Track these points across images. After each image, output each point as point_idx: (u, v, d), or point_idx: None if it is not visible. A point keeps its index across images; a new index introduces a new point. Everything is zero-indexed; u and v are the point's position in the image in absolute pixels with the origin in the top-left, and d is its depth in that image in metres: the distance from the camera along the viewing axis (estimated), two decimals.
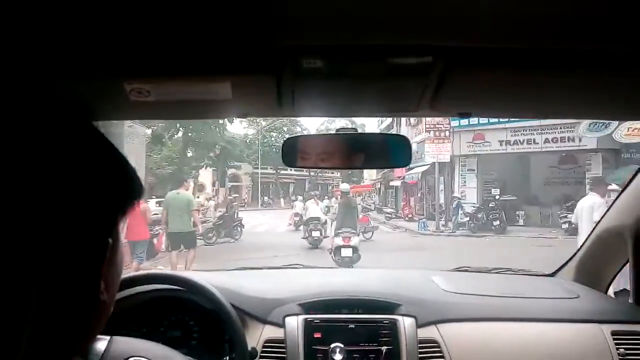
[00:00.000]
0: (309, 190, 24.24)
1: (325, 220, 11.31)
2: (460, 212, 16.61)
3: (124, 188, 0.43)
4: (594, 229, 1.71)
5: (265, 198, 37.60)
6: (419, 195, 24.23)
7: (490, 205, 16.12)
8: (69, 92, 0.78)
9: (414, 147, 17.37)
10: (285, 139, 1.10)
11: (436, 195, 18.38)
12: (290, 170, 40.82)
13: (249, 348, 1.24)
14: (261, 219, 22.83)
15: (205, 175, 38.67)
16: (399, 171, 25.03)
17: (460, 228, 16.42)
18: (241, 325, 1.25)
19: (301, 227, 11.94)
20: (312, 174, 39.87)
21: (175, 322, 1.41)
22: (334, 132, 1.07)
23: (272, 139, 39.44)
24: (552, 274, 1.90)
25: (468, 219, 16.11)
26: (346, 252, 7.96)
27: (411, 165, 20.60)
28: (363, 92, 0.90)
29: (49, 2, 0.57)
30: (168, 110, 1.07)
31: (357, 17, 0.61)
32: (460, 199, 17.08)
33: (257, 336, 1.36)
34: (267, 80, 0.80)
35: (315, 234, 10.75)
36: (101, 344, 0.74)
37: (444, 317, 1.44)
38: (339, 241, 8.05)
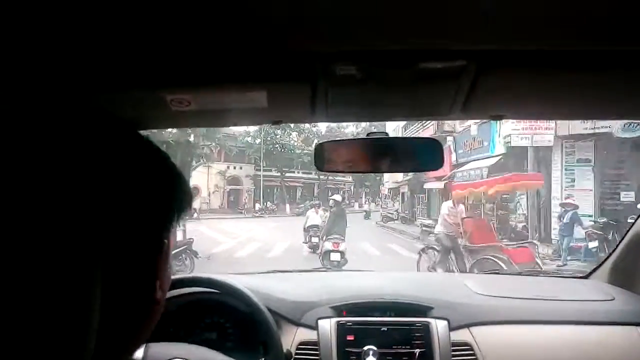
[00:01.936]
0: (318, 195, 24.15)
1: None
2: (575, 230, 10.01)
3: (175, 193, 0.47)
4: (629, 229, 1.73)
5: (268, 203, 34.97)
6: (470, 202, 16.14)
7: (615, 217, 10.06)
8: (113, 105, 0.85)
9: (473, 128, 14.75)
10: (316, 143, 1.17)
11: (534, 205, 10.87)
12: (298, 172, 38.89)
13: (284, 350, 1.30)
14: (257, 231, 19.26)
15: (200, 177, 34.13)
16: (437, 170, 16.97)
17: (582, 258, 9.72)
18: (276, 327, 1.32)
19: (319, 251, 10.51)
20: (321, 177, 37.66)
21: (211, 324, 1.50)
22: (364, 136, 1.13)
23: (277, 136, 37.00)
24: (586, 276, 1.90)
25: (596, 244, 7.94)
26: (335, 257, 8.66)
27: (464, 159, 16.63)
28: (395, 97, 0.93)
29: (95, 17, 0.62)
30: (207, 118, 1.15)
31: (389, 22, 0.64)
32: (575, 208, 10.25)
33: (290, 338, 1.44)
34: (302, 87, 0.84)
35: (315, 239, 10.91)
36: (138, 351, 0.78)
37: (477, 320, 1.49)
38: (328, 246, 8.81)
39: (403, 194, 29.05)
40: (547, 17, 0.62)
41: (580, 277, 1.92)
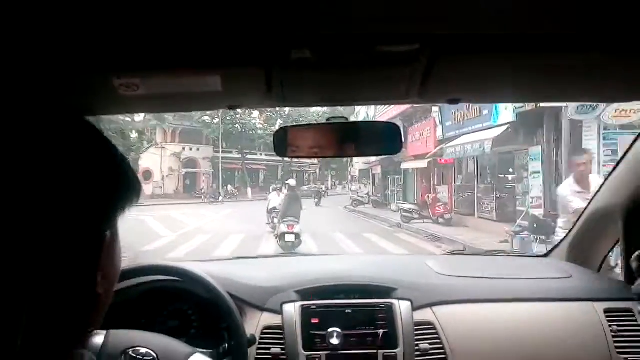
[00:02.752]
0: (282, 179, 22.77)
1: None
2: None
3: (119, 182, 0.46)
4: (585, 208, 1.83)
5: (229, 187, 33.13)
6: (461, 183, 13.61)
7: None
8: (58, 89, 0.85)
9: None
10: (276, 129, 1.22)
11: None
12: (260, 154, 37.26)
13: (248, 335, 1.34)
14: (209, 219, 17.35)
15: (152, 160, 32.53)
16: (417, 147, 14.24)
17: None
18: (239, 313, 1.35)
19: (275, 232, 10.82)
20: (285, 160, 35.06)
21: (173, 312, 1.50)
22: (324, 121, 1.16)
23: (237, 116, 34.69)
24: (546, 255, 2.02)
25: None
26: (289, 238, 9.29)
27: (454, 132, 14.51)
28: (352, 81, 0.94)
29: None
30: (157, 103, 1.12)
31: (344, 6, 0.65)
32: None
33: (255, 323, 1.46)
34: (257, 71, 0.84)
35: (276, 220, 11.11)
36: (98, 338, 0.80)
37: (439, 299, 1.55)
38: (284, 228, 9.40)
39: (374, 175, 26.78)
40: (498, 2, 0.64)
41: (540, 256, 2.02)
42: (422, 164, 17.00)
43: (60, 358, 0.43)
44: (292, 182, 11.48)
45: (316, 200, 25.22)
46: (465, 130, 13.52)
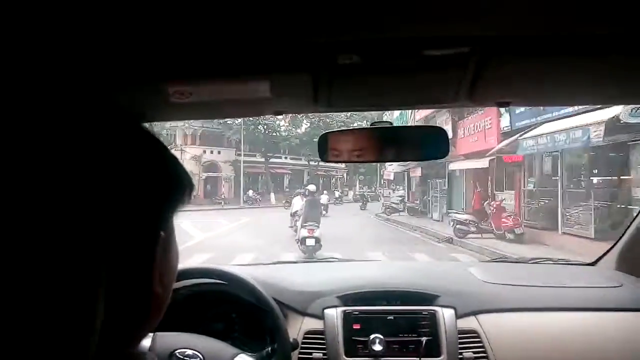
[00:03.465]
0: (307, 183, 19.88)
1: None
2: None
3: (171, 182, 0.47)
4: (635, 216, 1.78)
5: (250, 192, 31.55)
6: (534, 187, 10.18)
7: None
8: (115, 97, 0.87)
9: None
10: (321, 134, 1.19)
11: None
12: (285, 158, 35.59)
13: (290, 339, 1.35)
14: (219, 231, 14.87)
15: None
16: (471, 144, 10.77)
17: None
18: (282, 317, 1.36)
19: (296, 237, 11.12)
20: (311, 163, 34.02)
21: (218, 315, 1.54)
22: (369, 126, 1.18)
23: (260, 117, 26.10)
24: (593, 263, 1.93)
25: None
26: (310, 242, 9.62)
27: (530, 120, 11.04)
28: (399, 85, 0.94)
29: (95, 11, 0.63)
30: (208, 110, 1.18)
31: (391, 10, 0.65)
32: None
33: (297, 328, 1.48)
34: (304, 77, 0.85)
35: (298, 223, 11.33)
36: (145, 341, 0.79)
37: (483, 307, 1.52)
38: (304, 232, 9.88)
39: (411, 179, 23.29)
40: (549, 2, 0.64)
41: (588, 264, 1.97)
42: (481, 163, 13.70)
43: (120, 358, 0.44)
44: (312, 187, 12.14)
45: (360, 204, 25.79)
46: (549, 116, 10.51)
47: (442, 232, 13.33)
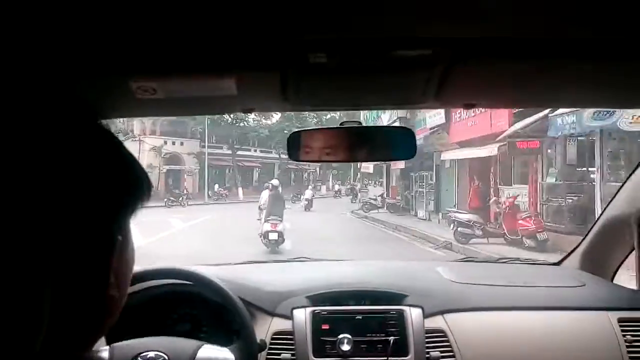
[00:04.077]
0: (278, 177, 18.79)
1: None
2: None
3: (130, 186, 0.46)
4: (599, 216, 1.86)
5: (216, 187, 29.77)
6: (555, 180, 7.86)
7: None
8: (75, 91, 0.81)
9: None
10: (290, 132, 1.21)
11: None
12: (254, 150, 34.00)
13: (258, 340, 1.37)
14: (166, 232, 12.98)
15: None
16: (471, 128, 8.33)
17: None
18: (249, 317, 1.39)
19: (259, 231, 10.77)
20: (282, 156, 32.67)
21: (184, 315, 1.56)
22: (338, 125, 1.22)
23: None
24: (558, 263, 2.00)
25: None
26: (273, 236, 9.88)
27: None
28: (368, 85, 0.96)
29: (54, 1, 0.64)
30: (173, 107, 1.15)
31: (361, 10, 0.66)
32: None
33: (265, 328, 1.50)
34: (272, 75, 0.86)
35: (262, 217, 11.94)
36: (103, 354, 0.84)
37: (450, 307, 1.56)
38: (267, 227, 10.11)
39: (391, 172, 21.50)
40: (517, 6, 0.65)
41: (552, 264, 2.03)
42: (486, 151, 11.44)
43: None
44: (275, 181, 12.34)
45: (350, 197, 25.43)
46: None
47: (431, 234, 11.58)
